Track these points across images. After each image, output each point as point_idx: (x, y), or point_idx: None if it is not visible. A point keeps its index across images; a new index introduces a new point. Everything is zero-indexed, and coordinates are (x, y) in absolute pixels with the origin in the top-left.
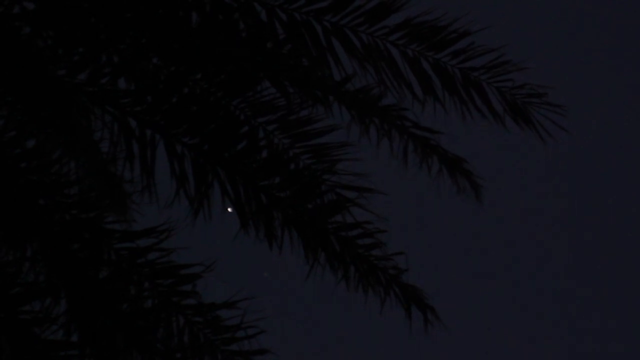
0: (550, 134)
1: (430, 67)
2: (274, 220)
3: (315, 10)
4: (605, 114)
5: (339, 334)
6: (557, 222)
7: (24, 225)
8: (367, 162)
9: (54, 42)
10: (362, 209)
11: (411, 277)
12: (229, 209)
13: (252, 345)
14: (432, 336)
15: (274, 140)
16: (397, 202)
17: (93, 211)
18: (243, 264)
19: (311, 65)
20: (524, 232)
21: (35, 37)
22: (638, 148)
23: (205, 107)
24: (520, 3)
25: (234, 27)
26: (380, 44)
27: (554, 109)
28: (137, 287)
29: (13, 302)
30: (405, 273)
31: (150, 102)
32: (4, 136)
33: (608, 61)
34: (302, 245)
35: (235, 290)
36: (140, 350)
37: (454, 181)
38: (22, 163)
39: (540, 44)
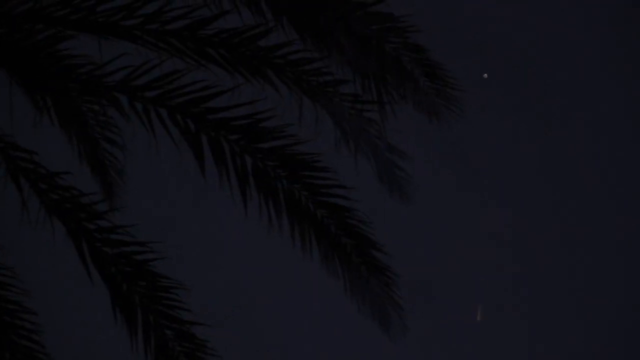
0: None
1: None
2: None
3: None
4: (603, 115)
5: (337, 335)
6: (554, 221)
7: None
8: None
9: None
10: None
11: (407, 274)
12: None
13: None
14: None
15: None
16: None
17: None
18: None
19: None
20: (521, 230)
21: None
22: (637, 148)
23: None
24: (520, 4)
25: None
26: None
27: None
28: None
29: None
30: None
31: None
32: None
33: (607, 63)
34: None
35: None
36: None
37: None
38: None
39: (540, 46)
